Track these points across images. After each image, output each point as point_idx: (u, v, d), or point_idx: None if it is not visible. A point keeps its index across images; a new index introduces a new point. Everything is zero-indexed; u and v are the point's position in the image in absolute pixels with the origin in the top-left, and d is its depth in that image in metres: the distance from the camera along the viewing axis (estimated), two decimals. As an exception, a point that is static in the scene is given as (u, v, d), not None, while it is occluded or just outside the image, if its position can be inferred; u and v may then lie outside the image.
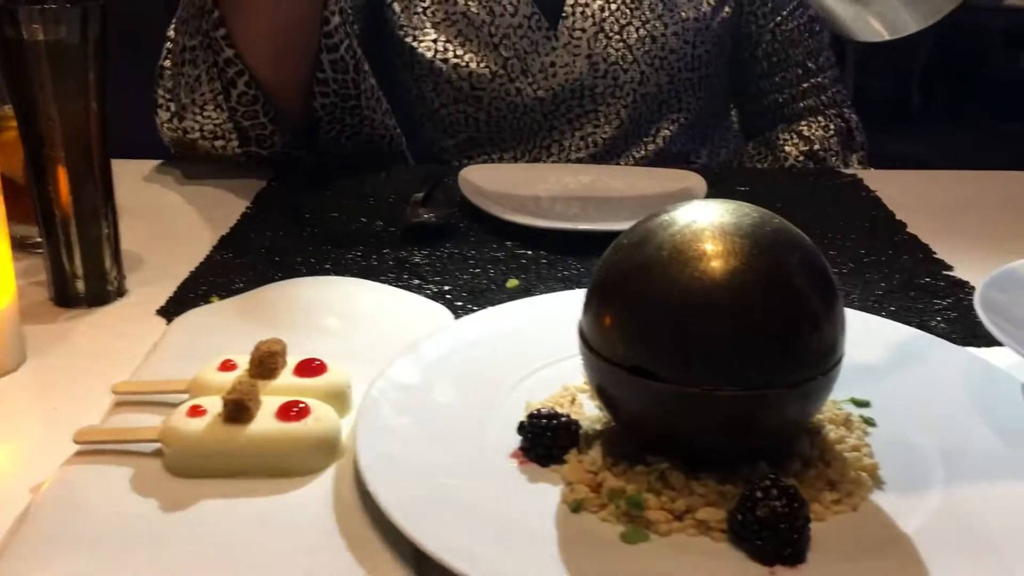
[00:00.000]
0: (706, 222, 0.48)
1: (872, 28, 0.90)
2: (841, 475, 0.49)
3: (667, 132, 1.17)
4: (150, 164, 1.08)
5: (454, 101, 1.13)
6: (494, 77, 1.11)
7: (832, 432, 0.53)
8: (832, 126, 1.19)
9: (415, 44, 1.10)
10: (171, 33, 1.02)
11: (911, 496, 0.49)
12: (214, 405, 0.52)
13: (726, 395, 0.45)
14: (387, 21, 1.12)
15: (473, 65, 1.10)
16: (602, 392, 0.50)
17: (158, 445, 0.52)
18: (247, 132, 1.00)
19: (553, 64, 1.11)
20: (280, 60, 0.97)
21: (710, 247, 0.46)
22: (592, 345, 0.49)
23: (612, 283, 0.49)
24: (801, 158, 1.17)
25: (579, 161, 1.15)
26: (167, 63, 1.02)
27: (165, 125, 1.03)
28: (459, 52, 1.10)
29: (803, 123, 1.19)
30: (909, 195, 0.99)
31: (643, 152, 1.17)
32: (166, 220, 0.93)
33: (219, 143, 1.00)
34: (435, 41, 1.10)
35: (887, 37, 0.92)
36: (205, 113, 0.98)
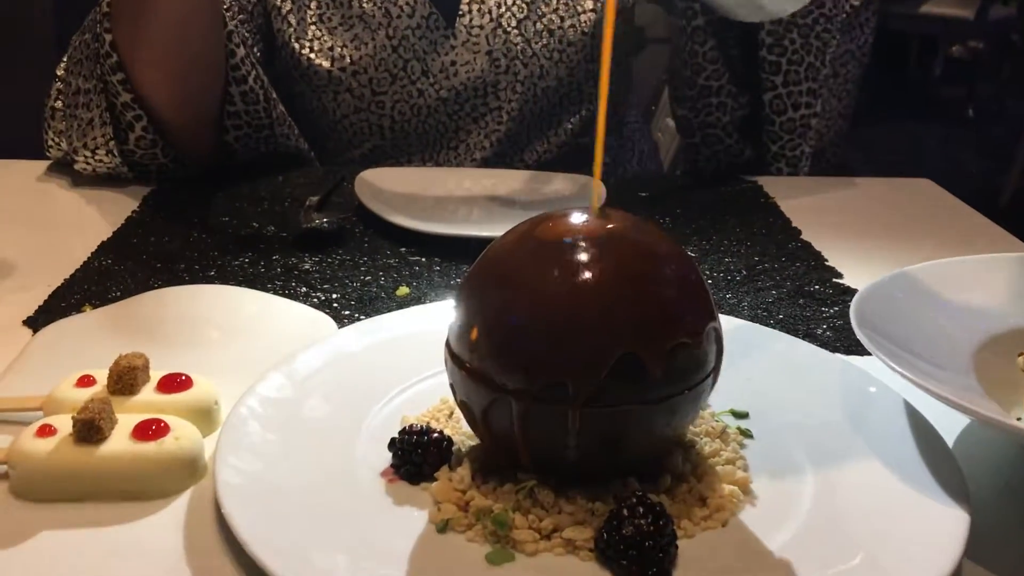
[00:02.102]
0: (574, 232, 0.46)
1: (752, 10, 0.91)
2: (712, 490, 0.49)
3: (570, 125, 1.16)
4: (37, 165, 1.03)
5: (355, 110, 1.10)
6: (395, 80, 1.09)
7: (707, 446, 0.52)
8: None
9: (312, 55, 1.08)
10: (60, 72, 0.99)
11: (780, 510, 0.48)
12: (65, 424, 0.49)
13: (590, 412, 0.44)
14: (280, 32, 1.09)
15: (372, 70, 1.08)
16: (466, 408, 0.48)
17: (4, 467, 0.49)
18: (146, 168, 0.97)
19: (454, 63, 1.09)
20: (187, 101, 0.95)
21: (575, 259, 0.45)
22: (456, 359, 0.48)
23: (475, 295, 0.47)
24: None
25: (483, 159, 1.13)
26: (58, 104, 0.99)
27: (54, 157, 1.01)
28: (356, 57, 1.08)
29: None
30: (807, 202, 1.00)
31: (546, 146, 1.16)
32: (47, 224, 0.89)
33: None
34: (331, 49, 1.08)
35: (761, 19, 0.93)
36: (97, 157, 0.95)
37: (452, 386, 0.49)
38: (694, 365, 0.46)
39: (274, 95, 1.02)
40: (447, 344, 0.49)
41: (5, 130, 1.09)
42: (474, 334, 0.46)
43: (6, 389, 0.58)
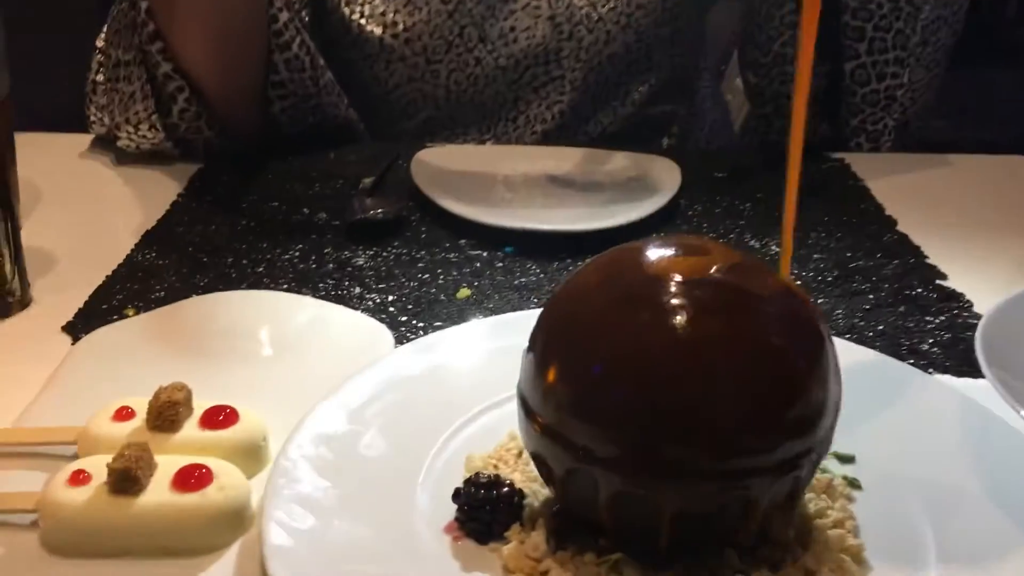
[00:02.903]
0: (674, 273, 0.40)
1: None
2: (821, 562, 0.43)
3: (637, 95, 1.08)
4: (80, 140, 0.99)
5: (409, 80, 1.04)
6: (450, 48, 1.02)
7: (812, 503, 0.46)
8: None
9: (363, 21, 1.01)
10: (100, 44, 0.94)
11: (900, 586, 0.42)
12: (100, 470, 0.45)
13: (696, 488, 0.39)
14: None
15: (426, 37, 1.01)
16: (543, 468, 0.43)
17: (36, 516, 0.45)
18: (192, 144, 0.92)
19: (513, 29, 1.02)
20: (228, 71, 0.89)
21: (679, 304, 0.39)
22: (532, 416, 0.42)
23: (556, 343, 0.41)
24: None
25: (544, 132, 1.06)
26: (100, 77, 0.94)
27: (97, 133, 0.96)
28: (409, 23, 1.01)
29: None
30: (898, 183, 0.92)
31: (612, 117, 1.08)
32: (88, 207, 0.85)
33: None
34: (383, 14, 1.01)
35: None
36: (140, 132, 0.90)
37: (525, 444, 0.43)
38: (811, 434, 0.40)
39: (321, 62, 0.95)
40: (520, 396, 0.43)
41: (47, 100, 1.05)
42: (557, 394, 0.40)
43: (42, 409, 0.54)
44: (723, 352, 0.38)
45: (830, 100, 1.01)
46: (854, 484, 0.49)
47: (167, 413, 0.48)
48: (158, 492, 0.44)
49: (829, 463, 0.50)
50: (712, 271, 0.40)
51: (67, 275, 0.72)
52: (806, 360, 0.40)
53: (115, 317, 0.65)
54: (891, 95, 0.98)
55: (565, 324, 0.41)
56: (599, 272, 0.42)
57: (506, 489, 0.45)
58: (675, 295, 0.39)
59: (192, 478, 0.45)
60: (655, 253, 0.41)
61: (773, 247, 0.78)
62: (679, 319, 0.38)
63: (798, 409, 0.39)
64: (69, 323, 0.65)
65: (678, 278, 0.40)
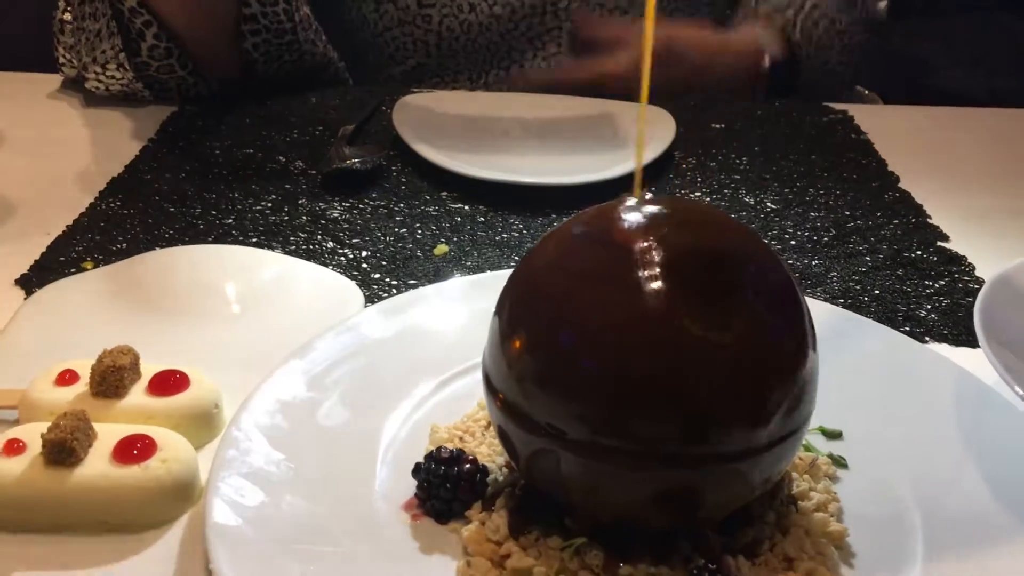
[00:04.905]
0: (650, 238, 0.37)
1: None
2: (800, 548, 0.40)
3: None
4: (50, 79, 0.95)
5: (399, 23, 0.99)
6: (443, -8, 0.97)
7: (794, 484, 0.43)
8: None
9: None
10: None
11: (882, 572, 0.40)
12: (37, 438, 0.42)
13: (665, 472, 0.36)
14: None
15: None
16: (509, 447, 0.40)
17: (-31, 487, 0.43)
18: (166, 85, 0.88)
19: None
20: (195, 3, 0.84)
21: (652, 274, 0.36)
22: (497, 394, 0.39)
23: (521, 315, 0.38)
24: None
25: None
26: (67, 16, 0.89)
27: (68, 75, 0.92)
28: None
29: None
30: (905, 138, 0.88)
31: None
32: (53, 152, 0.81)
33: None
34: None
35: None
36: (108, 73, 0.86)
37: (491, 416, 0.40)
38: (790, 411, 0.37)
39: None
40: (485, 376, 0.40)
41: (13, 36, 1.01)
42: (521, 370, 0.37)
43: (-12, 370, 0.51)
44: (698, 324, 0.35)
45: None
46: (839, 463, 0.46)
47: (111, 378, 0.45)
48: (97, 464, 0.42)
49: (815, 439, 0.47)
50: (689, 237, 0.37)
51: (27, 223, 0.69)
52: (786, 332, 0.37)
53: (72, 270, 0.62)
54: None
55: (531, 295, 0.38)
56: (567, 240, 0.39)
57: (468, 466, 0.42)
58: (648, 264, 0.36)
59: (134, 449, 0.42)
60: (628, 218, 0.38)
61: (768, 204, 0.74)
62: (652, 290, 0.35)
63: (778, 385, 0.36)
64: (23, 275, 0.62)
65: (652, 246, 0.36)
